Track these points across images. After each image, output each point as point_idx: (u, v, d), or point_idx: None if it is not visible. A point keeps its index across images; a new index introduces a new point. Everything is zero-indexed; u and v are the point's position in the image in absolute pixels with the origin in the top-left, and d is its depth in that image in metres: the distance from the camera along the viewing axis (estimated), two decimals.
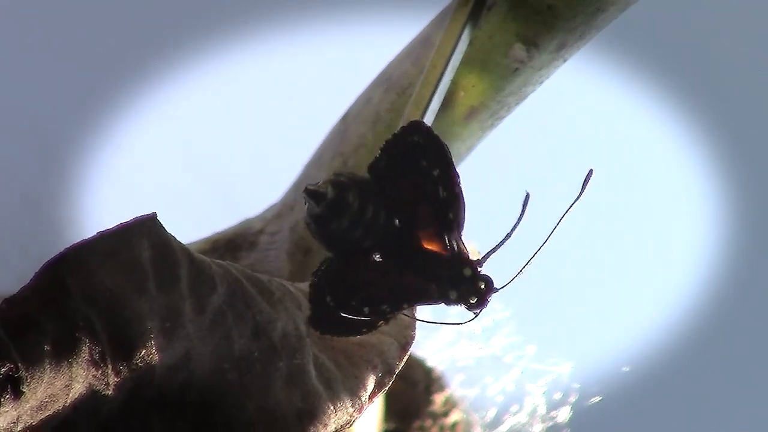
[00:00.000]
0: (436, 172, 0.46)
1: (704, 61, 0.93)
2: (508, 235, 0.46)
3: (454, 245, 0.46)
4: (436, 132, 0.46)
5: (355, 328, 0.46)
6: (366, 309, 0.45)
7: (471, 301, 0.45)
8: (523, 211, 0.46)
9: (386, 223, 0.46)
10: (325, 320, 0.46)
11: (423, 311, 0.50)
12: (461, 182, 0.46)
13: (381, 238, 0.46)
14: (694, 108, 0.93)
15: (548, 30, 0.60)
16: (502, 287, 0.46)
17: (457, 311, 0.46)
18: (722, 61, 0.93)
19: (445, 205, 0.46)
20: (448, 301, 0.46)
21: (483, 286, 0.45)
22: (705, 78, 0.93)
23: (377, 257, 0.46)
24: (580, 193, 0.46)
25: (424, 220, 0.46)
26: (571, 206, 0.46)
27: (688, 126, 0.93)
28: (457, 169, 0.46)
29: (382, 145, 0.47)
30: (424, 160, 0.46)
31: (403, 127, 0.46)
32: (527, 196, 0.46)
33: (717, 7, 0.92)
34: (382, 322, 0.46)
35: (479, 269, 0.46)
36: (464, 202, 0.46)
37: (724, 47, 0.93)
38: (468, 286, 0.45)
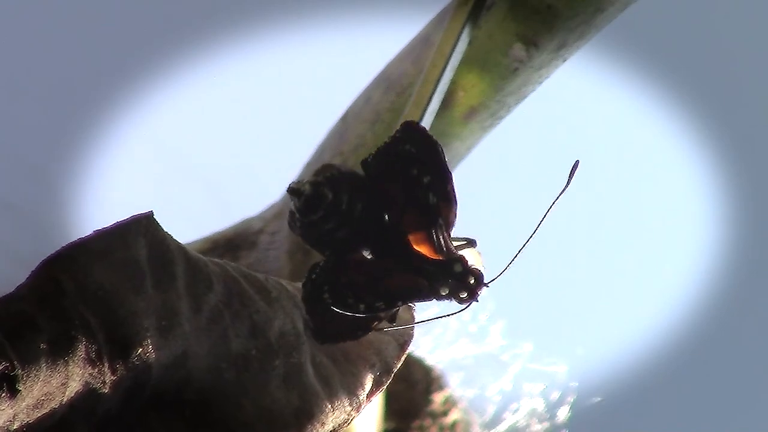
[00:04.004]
0: (426, 179, 0.46)
1: (704, 61, 0.93)
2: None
3: (443, 244, 0.46)
4: (431, 135, 0.46)
5: (353, 331, 0.46)
6: (361, 306, 0.45)
7: (462, 296, 0.45)
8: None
9: (366, 215, 0.46)
10: (325, 330, 0.46)
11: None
12: (454, 184, 0.46)
13: (356, 228, 0.46)
14: (694, 107, 0.93)
15: (548, 30, 0.60)
16: (492, 281, 0.46)
17: (448, 306, 0.46)
18: (722, 61, 0.93)
19: (435, 211, 0.46)
20: (439, 297, 0.46)
21: (473, 281, 0.45)
22: (705, 78, 0.93)
23: (367, 255, 0.46)
24: (567, 184, 0.46)
25: (412, 223, 0.46)
26: (558, 197, 0.46)
27: (687, 125, 0.93)
28: (450, 170, 0.46)
29: (379, 146, 0.47)
30: (415, 168, 0.46)
31: (397, 132, 0.46)
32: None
33: (717, 7, 0.92)
34: (377, 323, 0.46)
35: (469, 264, 0.46)
36: (456, 203, 0.46)
37: (724, 47, 0.93)
38: (458, 281, 0.45)
